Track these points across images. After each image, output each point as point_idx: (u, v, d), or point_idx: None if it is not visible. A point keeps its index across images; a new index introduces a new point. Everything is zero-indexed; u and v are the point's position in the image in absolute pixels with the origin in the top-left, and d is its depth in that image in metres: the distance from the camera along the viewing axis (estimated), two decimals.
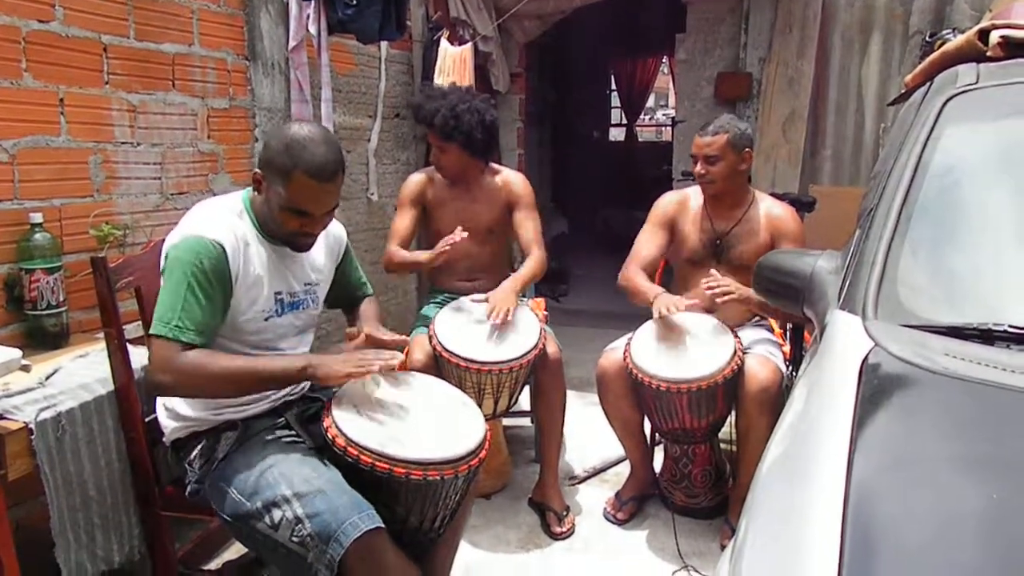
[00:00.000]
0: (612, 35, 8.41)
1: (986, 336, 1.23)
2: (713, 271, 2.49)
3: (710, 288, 2.40)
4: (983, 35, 1.74)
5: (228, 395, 1.70)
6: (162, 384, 1.59)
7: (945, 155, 1.54)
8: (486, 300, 2.58)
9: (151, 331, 1.60)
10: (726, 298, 2.38)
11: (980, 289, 1.40)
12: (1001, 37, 1.69)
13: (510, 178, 2.89)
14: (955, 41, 1.84)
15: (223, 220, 1.68)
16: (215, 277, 1.61)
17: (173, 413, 1.77)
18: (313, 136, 1.65)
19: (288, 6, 2.98)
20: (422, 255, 2.66)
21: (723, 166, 2.55)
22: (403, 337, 1.87)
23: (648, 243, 2.73)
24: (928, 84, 1.80)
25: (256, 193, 1.73)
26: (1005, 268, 1.41)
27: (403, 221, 2.81)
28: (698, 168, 2.59)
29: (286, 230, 1.70)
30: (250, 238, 1.71)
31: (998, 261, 1.42)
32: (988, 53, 1.72)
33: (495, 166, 2.91)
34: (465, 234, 2.50)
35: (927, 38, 3.10)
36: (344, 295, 2.05)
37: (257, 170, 1.71)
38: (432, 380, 1.96)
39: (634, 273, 2.67)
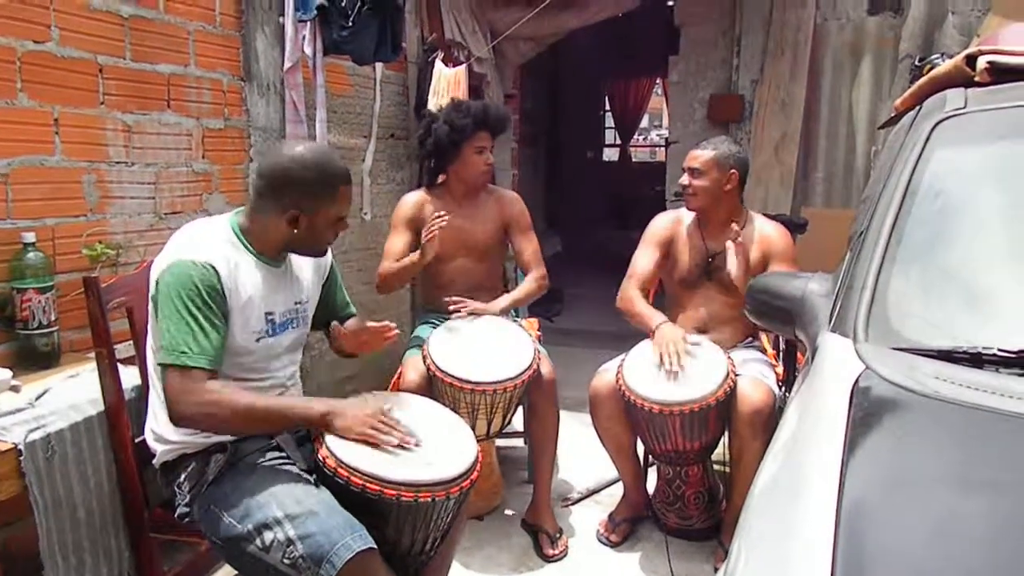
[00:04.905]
0: (606, 57, 8.50)
1: (976, 360, 1.24)
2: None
3: None
4: (971, 60, 1.75)
5: (248, 432, 1.69)
6: (184, 416, 1.59)
7: (934, 179, 1.55)
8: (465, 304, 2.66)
9: (160, 361, 1.60)
10: None
11: (970, 312, 1.41)
12: (988, 63, 1.71)
13: (506, 197, 2.91)
14: (943, 66, 1.86)
15: (211, 242, 1.68)
16: (212, 299, 1.61)
17: (159, 436, 1.75)
18: (324, 150, 1.77)
19: (284, 27, 3.00)
20: (412, 255, 2.65)
21: (706, 181, 2.57)
22: (388, 323, 1.94)
23: (645, 260, 2.74)
24: (917, 108, 1.82)
25: (294, 231, 1.71)
26: (995, 292, 1.42)
27: (396, 242, 2.80)
28: (683, 179, 2.62)
29: (327, 241, 1.79)
30: (240, 259, 1.70)
31: (988, 284, 1.43)
32: (976, 78, 1.73)
33: (490, 186, 2.93)
34: (447, 217, 2.54)
35: (916, 62, 3.14)
36: (328, 315, 2.03)
37: (292, 211, 1.68)
38: (424, 401, 1.97)
39: (634, 296, 2.68)
